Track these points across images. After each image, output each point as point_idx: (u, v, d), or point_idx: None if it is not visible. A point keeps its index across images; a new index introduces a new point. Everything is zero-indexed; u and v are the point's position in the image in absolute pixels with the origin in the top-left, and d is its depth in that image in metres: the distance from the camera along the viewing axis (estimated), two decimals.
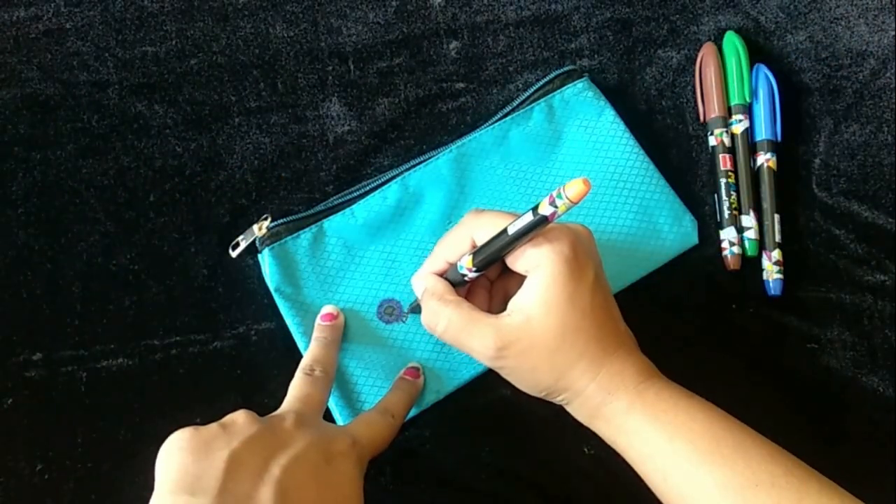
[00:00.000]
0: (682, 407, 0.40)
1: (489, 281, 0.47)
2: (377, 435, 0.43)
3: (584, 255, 0.41)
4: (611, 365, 0.41)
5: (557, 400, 0.43)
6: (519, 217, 0.40)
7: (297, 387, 0.44)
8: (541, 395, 0.43)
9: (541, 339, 0.41)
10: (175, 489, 0.36)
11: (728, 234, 0.52)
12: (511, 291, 0.42)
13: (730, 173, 0.54)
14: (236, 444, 0.37)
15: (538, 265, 0.41)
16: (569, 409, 0.43)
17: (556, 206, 0.37)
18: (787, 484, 0.37)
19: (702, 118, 0.56)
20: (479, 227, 0.43)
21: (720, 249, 0.53)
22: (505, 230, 0.40)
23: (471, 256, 0.43)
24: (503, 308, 0.42)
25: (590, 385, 0.41)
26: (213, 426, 0.38)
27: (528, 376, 0.42)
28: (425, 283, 0.46)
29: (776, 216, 0.53)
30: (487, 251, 0.42)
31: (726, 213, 0.53)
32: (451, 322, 0.43)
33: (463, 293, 0.45)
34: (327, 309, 0.50)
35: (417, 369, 0.49)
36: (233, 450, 0.37)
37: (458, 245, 0.44)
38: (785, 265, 0.52)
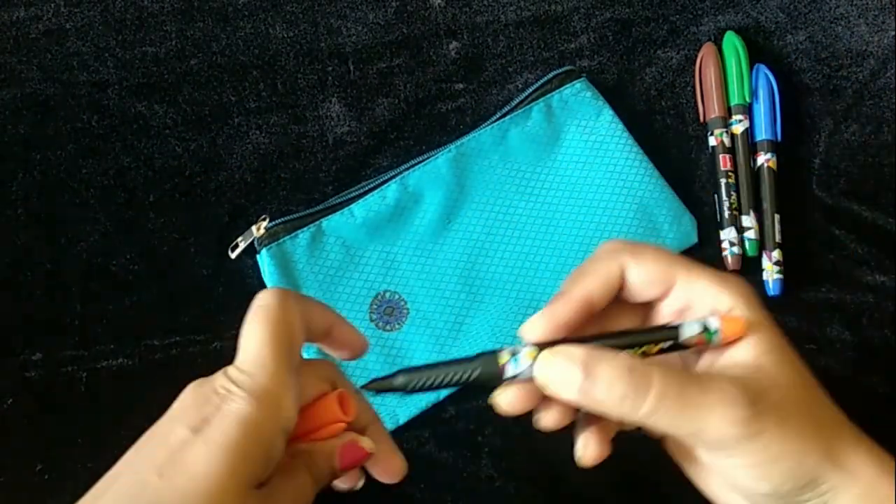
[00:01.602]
0: None
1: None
2: None
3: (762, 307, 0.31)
4: (874, 444, 0.30)
5: (814, 498, 0.29)
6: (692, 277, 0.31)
7: None
8: (797, 486, 0.29)
9: (797, 389, 0.29)
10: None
11: (728, 235, 0.52)
12: None
13: (730, 173, 0.54)
14: None
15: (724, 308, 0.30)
16: None
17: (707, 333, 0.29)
18: None
19: (702, 118, 0.56)
20: (639, 270, 0.31)
21: (720, 249, 0.53)
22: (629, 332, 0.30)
23: (538, 347, 0.30)
24: None
25: (871, 467, 0.29)
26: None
27: (789, 453, 0.28)
28: (568, 359, 0.29)
29: (776, 216, 0.53)
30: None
31: (726, 213, 0.53)
32: (670, 383, 0.28)
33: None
34: None
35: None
36: None
37: (610, 283, 0.31)
38: (785, 265, 0.52)
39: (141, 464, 0.29)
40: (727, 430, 0.28)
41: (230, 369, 0.30)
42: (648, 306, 0.33)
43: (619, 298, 0.32)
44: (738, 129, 0.55)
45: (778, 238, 0.52)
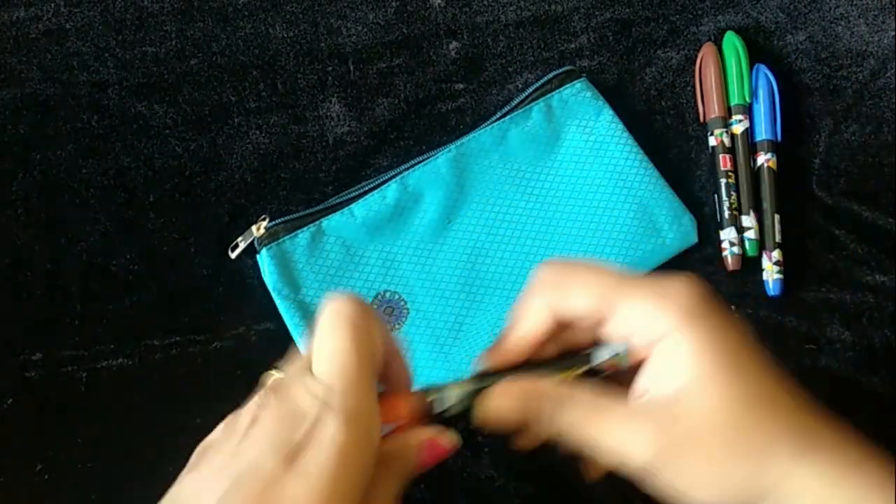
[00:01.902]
0: None
1: None
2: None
3: (717, 310, 0.31)
4: (843, 448, 0.29)
5: None
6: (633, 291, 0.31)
7: None
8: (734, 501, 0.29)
9: (712, 412, 0.29)
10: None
11: (728, 235, 0.52)
12: None
13: (730, 173, 0.54)
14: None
15: (656, 347, 0.30)
16: None
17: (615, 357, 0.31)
18: None
19: (702, 118, 0.56)
20: (572, 288, 0.32)
21: (720, 249, 0.53)
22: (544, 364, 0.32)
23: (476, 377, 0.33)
24: None
25: (816, 477, 0.28)
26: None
27: (708, 472, 0.29)
28: (519, 386, 0.32)
29: (776, 216, 0.53)
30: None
31: (726, 213, 0.53)
32: (578, 409, 0.30)
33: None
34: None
35: None
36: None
37: (537, 319, 0.33)
38: (785, 265, 0.52)
39: (233, 498, 0.27)
40: (641, 449, 0.29)
41: (311, 381, 0.28)
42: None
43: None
44: (738, 129, 0.55)
45: (778, 238, 0.52)
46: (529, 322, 0.33)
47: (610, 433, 0.30)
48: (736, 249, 0.52)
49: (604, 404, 0.30)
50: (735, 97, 0.55)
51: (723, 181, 0.53)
